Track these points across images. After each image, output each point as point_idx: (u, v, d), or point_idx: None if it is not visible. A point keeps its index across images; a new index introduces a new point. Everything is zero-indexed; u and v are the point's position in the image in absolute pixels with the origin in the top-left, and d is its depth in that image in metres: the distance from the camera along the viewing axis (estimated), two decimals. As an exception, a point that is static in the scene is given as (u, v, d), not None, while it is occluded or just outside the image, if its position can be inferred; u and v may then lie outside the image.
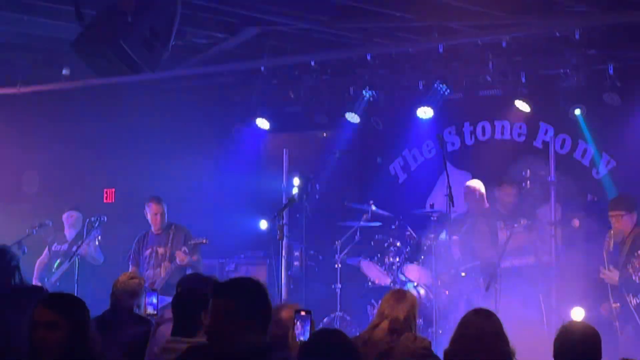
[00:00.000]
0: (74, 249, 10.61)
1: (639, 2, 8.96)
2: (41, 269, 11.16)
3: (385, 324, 6.17)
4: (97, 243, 10.88)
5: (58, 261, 10.97)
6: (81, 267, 10.37)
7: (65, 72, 11.36)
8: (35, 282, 10.60)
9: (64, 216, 11.34)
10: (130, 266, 10.35)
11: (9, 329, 4.58)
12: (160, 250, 10.24)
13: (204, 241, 10.22)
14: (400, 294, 6.33)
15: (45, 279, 10.87)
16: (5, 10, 9.61)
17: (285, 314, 5.62)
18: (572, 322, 4.92)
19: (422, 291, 10.70)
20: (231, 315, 4.14)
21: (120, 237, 11.28)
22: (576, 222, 9.81)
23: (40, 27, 10.17)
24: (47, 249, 11.27)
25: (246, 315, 4.15)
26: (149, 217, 10.36)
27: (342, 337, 4.46)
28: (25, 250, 10.35)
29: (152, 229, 10.38)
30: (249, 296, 4.21)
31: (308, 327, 4.83)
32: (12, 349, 4.43)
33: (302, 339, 4.80)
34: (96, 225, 10.64)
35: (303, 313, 4.86)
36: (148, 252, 10.31)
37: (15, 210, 12.16)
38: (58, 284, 10.65)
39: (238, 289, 4.26)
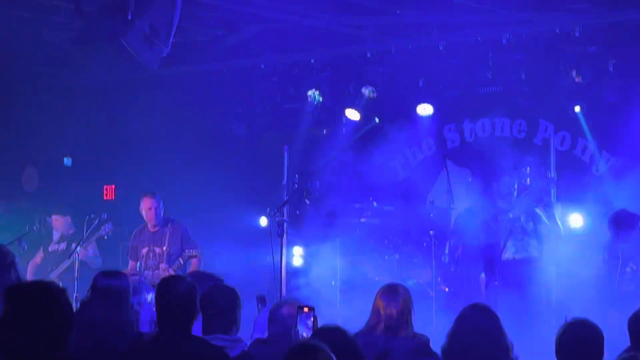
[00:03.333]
0: (73, 246, 10.57)
1: (639, 0, 8.98)
2: (35, 270, 11.04)
3: (381, 321, 6.15)
4: (95, 245, 10.82)
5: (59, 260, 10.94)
6: (80, 265, 10.33)
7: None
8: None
9: (50, 219, 11.26)
10: (130, 262, 10.30)
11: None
12: (158, 250, 10.13)
13: (195, 254, 10.11)
14: (393, 289, 6.28)
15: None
16: (6, 7, 9.61)
17: (285, 310, 5.62)
18: (575, 320, 4.85)
19: (422, 286, 10.69)
20: (17, 326, 3.55)
21: (119, 234, 11.25)
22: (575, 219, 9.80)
23: (41, 24, 10.17)
24: (41, 250, 11.17)
25: (35, 326, 3.55)
26: (143, 212, 10.21)
27: (344, 334, 4.46)
28: (26, 248, 10.33)
29: (148, 225, 10.28)
30: (36, 304, 3.58)
31: (311, 324, 4.81)
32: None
33: (304, 335, 4.79)
34: (96, 222, 10.59)
35: (306, 309, 4.84)
36: (145, 250, 10.17)
37: (15, 207, 12.14)
38: (61, 283, 10.57)
39: (24, 295, 3.62)
